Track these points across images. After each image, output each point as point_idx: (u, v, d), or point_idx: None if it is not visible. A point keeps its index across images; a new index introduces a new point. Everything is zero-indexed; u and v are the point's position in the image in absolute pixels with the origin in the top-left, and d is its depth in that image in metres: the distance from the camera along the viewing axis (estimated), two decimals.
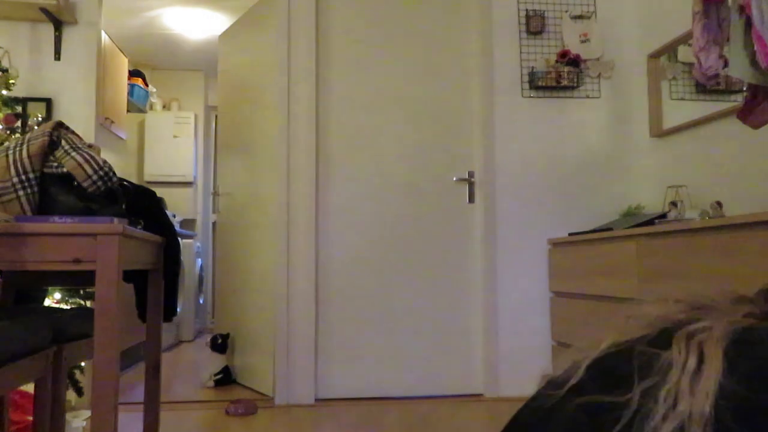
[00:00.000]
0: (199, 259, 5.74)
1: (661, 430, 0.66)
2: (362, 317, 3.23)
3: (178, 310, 4.50)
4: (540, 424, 0.78)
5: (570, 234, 3.06)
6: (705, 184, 2.84)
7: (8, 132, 2.64)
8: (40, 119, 2.91)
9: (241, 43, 3.82)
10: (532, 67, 3.35)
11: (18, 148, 1.45)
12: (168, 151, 5.92)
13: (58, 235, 1.31)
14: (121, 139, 4.36)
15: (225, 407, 2.94)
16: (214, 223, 6.33)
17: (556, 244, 3.18)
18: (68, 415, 2.31)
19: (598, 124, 3.39)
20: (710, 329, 0.71)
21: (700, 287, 2.00)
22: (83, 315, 1.75)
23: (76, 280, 1.98)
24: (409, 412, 2.90)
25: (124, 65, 4.42)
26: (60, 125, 1.55)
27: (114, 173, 1.53)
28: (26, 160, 1.43)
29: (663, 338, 0.76)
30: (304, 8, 3.30)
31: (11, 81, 2.78)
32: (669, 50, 3.13)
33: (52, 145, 1.48)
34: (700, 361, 0.68)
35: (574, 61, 3.30)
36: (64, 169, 1.46)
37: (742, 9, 1.86)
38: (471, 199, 3.33)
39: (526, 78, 3.35)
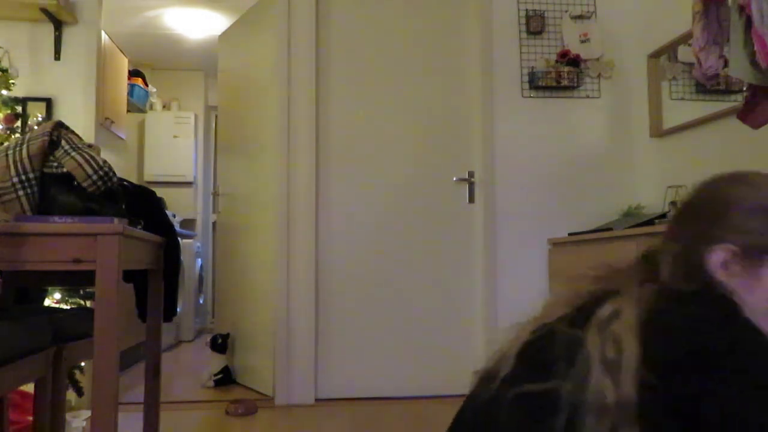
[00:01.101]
0: (199, 259, 5.74)
1: (593, 425, 0.68)
2: (362, 317, 3.23)
3: (178, 310, 4.49)
4: (482, 421, 0.79)
5: (570, 234, 3.06)
6: None
7: (8, 132, 2.64)
8: (40, 119, 2.91)
9: (241, 43, 3.81)
10: (532, 67, 3.35)
11: (18, 148, 1.45)
12: (168, 151, 5.92)
13: (58, 235, 1.31)
14: (121, 139, 4.36)
15: (225, 407, 2.94)
16: (214, 223, 6.33)
17: (556, 244, 3.18)
18: (68, 415, 2.31)
19: (598, 124, 3.39)
20: (620, 314, 0.73)
21: None
22: (83, 315, 1.75)
23: (76, 280, 1.98)
24: (409, 412, 2.90)
25: (124, 65, 4.42)
26: (60, 125, 1.55)
27: (114, 173, 1.53)
28: (26, 160, 1.43)
29: (581, 317, 0.78)
30: (304, 8, 3.30)
31: (11, 81, 2.78)
32: (669, 50, 3.13)
33: (52, 145, 1.48)
34: (618, 352, 0.70)
35: (574, 61, 3.30)
36: (64, 169, 1.46)
37: (742, 9, 1.86)
38: (471, 199, 3.33)
39: (526, 78, 3.35)
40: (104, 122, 3.77)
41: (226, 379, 3.52)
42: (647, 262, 0.91)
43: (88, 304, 2.57)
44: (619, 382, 0.69)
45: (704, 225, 0.87)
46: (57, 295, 2.50)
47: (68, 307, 2.35)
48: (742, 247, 0.82)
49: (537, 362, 0.77)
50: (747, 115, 2.02)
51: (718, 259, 0.83)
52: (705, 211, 0.88)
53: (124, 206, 1.61)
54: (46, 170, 1.46)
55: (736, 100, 2.63)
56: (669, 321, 0.72)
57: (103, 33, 3.48)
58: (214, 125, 6.69)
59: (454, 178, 3.33)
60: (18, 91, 2.94)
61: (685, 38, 2.95)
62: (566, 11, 3.38)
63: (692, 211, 0.92)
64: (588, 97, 3.38)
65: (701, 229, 0.87)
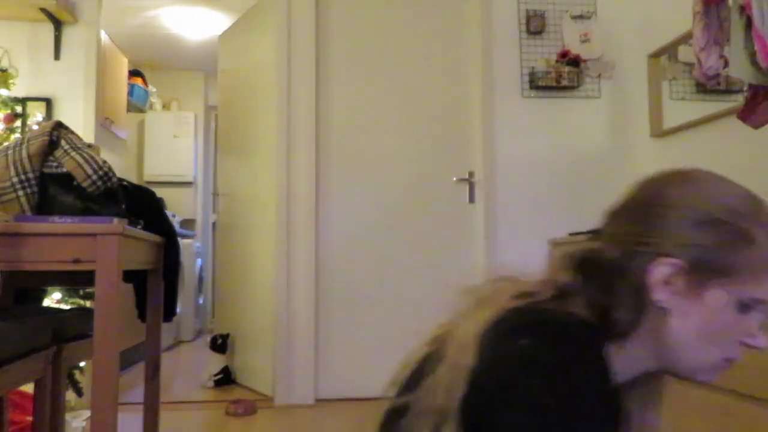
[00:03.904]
0: (199, 259, 5.74)
1: (421, 425, 0.69)
2: (362, 317, 3.23)
3: (178, 310, 4.48)
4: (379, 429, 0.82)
5: (570, 234, 3.06)
6: None
7: (8, 132, 2.64)
8: (39, 119, 2.91)
9: (241, 43, 3.81)
10: (532, 67, 3.34)
11: (17, 148, 1.45)
12: (168, 151, 5.92)
13: (58, 235, 1.30)
14: (121, 139, 4.36)
15: (225, 407, 2.94)
16: (214, 223, 6.33)
17: (556, 244, 3.18)
18: (68, 415, 2.31)
19: (598, 124, 3.38)
20: (476, 324, 0.74)
21: None
22: (83, 315, 1.75)
23: (76, 280, 1.98)
24: None
25: (124, 65, 4.41)
26: (59, 125, 1.55)
27: (113, 173, 1.52)
28: (26, 160, 1.43)
29: None
30: (304, 8, 3.29)
31: (11, 81, 2.78)
32: (669, 50, 3.13)
33: (52, 145, 1.48)
34: (460, 358, 0.70)
35: (575, 61, 3.30)
36: (64, 169, 1.45)
37: (743, 9, 1.86)
38: (471, 199, 3.33)
39: (526, 78, 3.35)
40: (104, 122, 3.77)
41: (225, 379, 3.52)
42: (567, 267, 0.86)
43: (88, 304, 2.57)
44: (452, 386, 0.69)
45: (644, 230, 0.78)
46: (57, 295, 2.50)
47: (68, 307, 2.35)
48: (690, 262, 0.74)
49: (416, 376, 0.78)
50: (747, 115, 2.02)
51: (662, 273, 0.74)
52: (647, 215, 0.79)
53: (124, 206, 1.61)
54: (45, 170, 1.46)
55: (736, 100, 2.62)
56: (506, 324, 0.73)
57: (102, 33, 3.48)
58: (214, 125, 6.68)
59: (454, 178, 3.32)
60: (18, 91, 2.94)
61: (685, 38, 2.95)
62: (566, 11, 3.38)
63: (632, 213, 0.84)
64: (588, 97, 3.38)
65: (641, 236, 0.77)
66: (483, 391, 0.67)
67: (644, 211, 0.81)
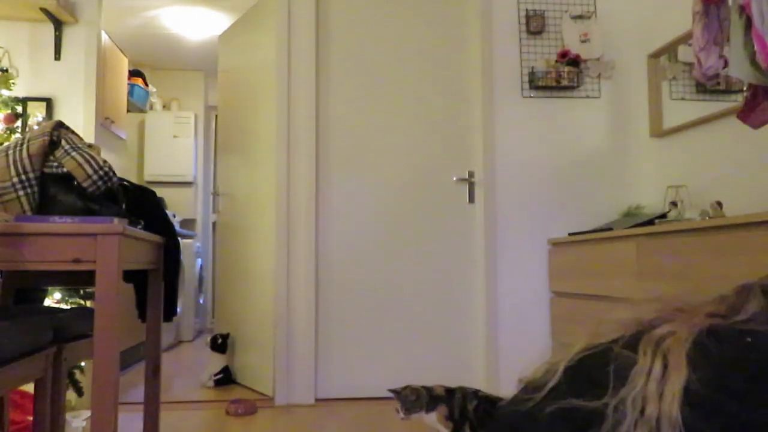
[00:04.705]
0: (199, 259, 5.74)
1: None
2: (362, 317, 3.23)
3: (178, 310, 4.49)
4: (520, 426, 0.80)
5: (570, 234, 3.06)
6: (705, 184, 2.84)
7: (8, 132, 2.64)
8: (40, 119, 2.91)
9: (241, 43, 3.81)
10: (532, 67, 3.34)
11: (18, 148, 1.45)
12: (168, 151, 5.92)
13: (58, 235, 1.30)
14: (121, 139, 4.36)
15: (225, 407, 2.94)
16: (214, 223, 6.33)
17: (556, 244, 3.18)
18: (68, 415, 2.31)
19: (598, 124, 3.39)
20: (674, 334, 0.74)
21: (699, 287, 2.00)
22: (83, 315, 1.75)
23: (76, 280, 1.98)
24: None
25: (124, 65, 4.41)
26: (60, 125, 1.55)
27: (114, 173, 1.53)
28: (26, 160, 1.43)
29: (636, 340, 0.78)
30: (304, 8, 3.30)
31: (11, 81, 2.78)
32: (669, 50, 3.13)
33: (52, 145, 1.48)
34: (665, 366, 0.70)
35: (574, 61, 3.30)
36: (64, 169, 1.46)
37: (742, 9, 1.86)
38: (471, 199, 3.33)
39: (526, 78, 3.35)
40: (104, 122, 3.77)
41: (226, 379, 3.52)
42: (740, 293, 0.88)
43: (88, 304, 2.57)
44: (663, 396, 0.69)
45: None
46: (57, 295, 2.50)
47: (68, 307, 2.35)
48: None
49: (587, 378, 0.77)
50: (747, 115, 2.02)
51: None
52: None
53: (124, 206, 1.61)
54: (46, 170, 1.46)
55: (736, 100, 2.63)
56: (718, 336, 0.73)
57: (103, 33, 3.48)
58: (214, 125, 6.69)
59: (454, 178, 3.33)
60: (18, 91, 2.94)
61: (685, 38, 2.95)
62: (566, 11, 3.38)
63: None
64: (588, 97, 3.38)
65: None
66: (719, 393, 0.67)
67: None
